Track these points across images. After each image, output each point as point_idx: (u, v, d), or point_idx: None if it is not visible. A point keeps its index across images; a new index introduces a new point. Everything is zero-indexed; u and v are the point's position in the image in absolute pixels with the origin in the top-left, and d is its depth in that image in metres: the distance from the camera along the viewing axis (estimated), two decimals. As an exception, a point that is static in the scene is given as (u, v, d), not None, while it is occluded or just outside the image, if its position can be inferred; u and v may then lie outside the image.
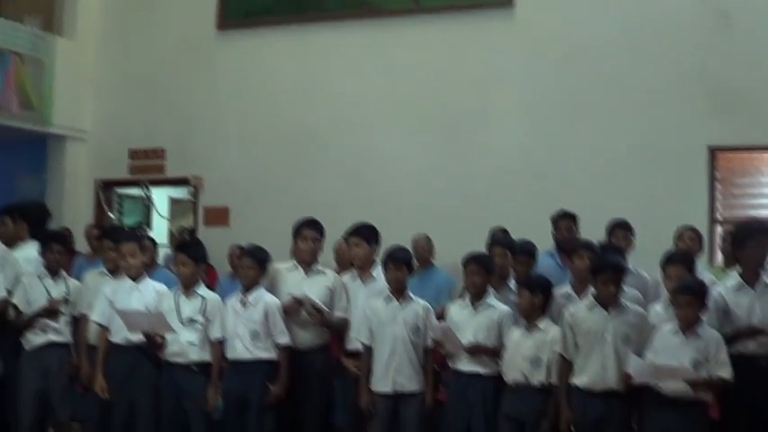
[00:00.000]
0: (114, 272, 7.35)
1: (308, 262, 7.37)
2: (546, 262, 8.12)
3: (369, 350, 6.94)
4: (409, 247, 9.46)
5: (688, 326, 6.00)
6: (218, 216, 12.12)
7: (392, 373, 6.80)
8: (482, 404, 6.68)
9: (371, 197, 11.18)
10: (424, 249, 9.73)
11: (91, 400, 7.25)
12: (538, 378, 6.44)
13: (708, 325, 6.20)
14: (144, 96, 12.85)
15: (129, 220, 13.50)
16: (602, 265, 6.34)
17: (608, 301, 6.24)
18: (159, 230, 13.63)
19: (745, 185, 10.67)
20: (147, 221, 13.62)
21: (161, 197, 14.28)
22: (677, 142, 10.34)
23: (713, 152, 10.40)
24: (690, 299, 6.01)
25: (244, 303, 6.92)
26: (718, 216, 10.42)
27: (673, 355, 5.97)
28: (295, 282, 7.27)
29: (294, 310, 7.09)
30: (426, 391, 6.86)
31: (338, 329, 7.38)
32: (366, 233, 7.35)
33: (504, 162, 10.91)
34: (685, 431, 5.95)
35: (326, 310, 7.21)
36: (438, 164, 11.17)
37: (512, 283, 7.26)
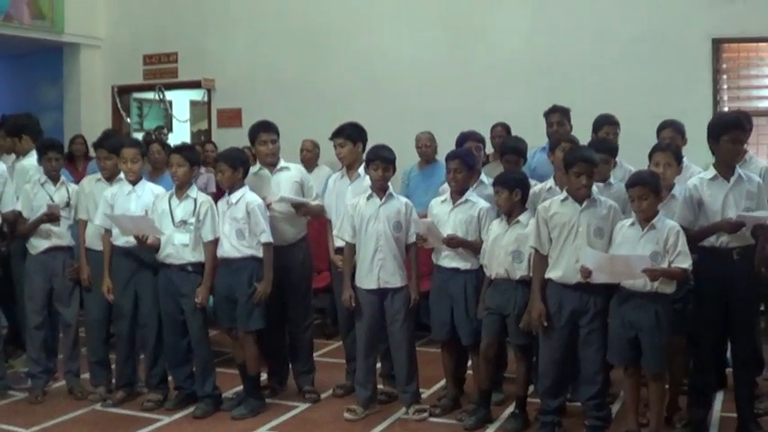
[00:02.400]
0: (110, 179, 7.50)
1: (271, 163, 7.51)
2: (539, 157, 8.24)
3: (351, 247, 7.10)
4: (413, 143, 9.75)
5: (645, 218, 6.05)
6: (231, 117, 12.35)
7: (376, 269, 6.96)
8: (463, 298, 6.86)
9: (380, 94, 11.42)
10: (428, 146, 9.92)
11: (94, 301, 7.52)
12: (519, 272, 6.57)
13: (684, 215, 6.30)
14: (155, 0, 12.94)
15: (150, 125, 13.69)
16: (574, 158, 6.37)
17: (580, 194, 6.30)
18: (180, 133, 13.83)
19: (750, 77, 10.67)
20: (169, 125, 13.79)
21: (182, 101, 14.47)
22: (681, 33, 10.36)
23: (717, 43, 10.37)
24: (642, 190, 6.03)
25: (229, 203, 7.07)
26: (724, 107, 10.42)
27: (631, 248, 6.03)
28: (264, 183, 7.44)
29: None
30: (410, 286, 7.03)
31: (318, 215, 7.65)
32: (350, 133, 7.41)
33: (509, 57, 11.02)
34: (649, 324, 6.02)
35: (304, 200, 7.43)
36: (444, 61, 11.32)
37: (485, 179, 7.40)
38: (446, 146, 7.92)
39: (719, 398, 7.05)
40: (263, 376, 7.56)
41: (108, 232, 7.31)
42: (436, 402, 7.16)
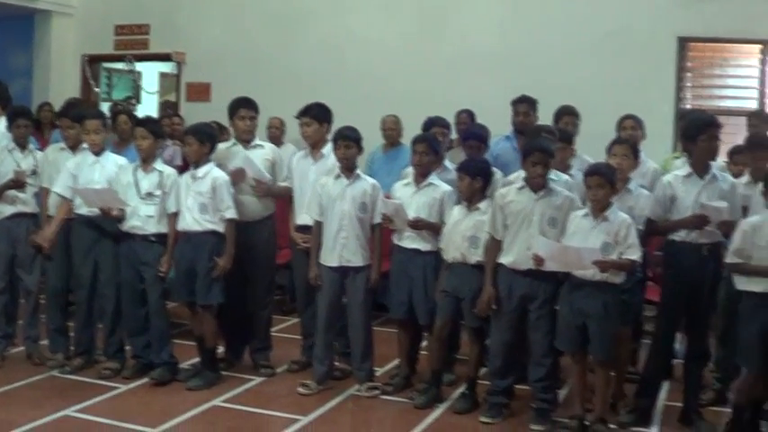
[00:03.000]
0: (73, 148, 7.56)
1: (246, 139, 7.60)
2: (502, 145, 8.33)
3: (319, 225, 7.19)
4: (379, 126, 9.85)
5: (599, 209, 6.19)
6: (200, 92, 12.40)
7: (339, 247, 7.07)
8: (422, 279, 7.01)
9: (349, 76, 11.55)
10: (393, 129, 10.04)
11: (54, 269, 7.60)
12: (475, 257, 6.71)
13: (654, 210, 6.47)
14: (129, -30, 13.00)
15: (118, 95, 13.72)
16: (531, 148, 6.52)
17: (536, 184, 6.44)
18: (149, 105, 13.87)
19: (714, 76, 10.87)
20: (137, 96, 13.81)
21: (151, 72, 14.49)
22: (648, 31, 10.55)
23: (683, 42, 10.56)
24: (599, 179, 6.17)
25: (194, 177, 7.15)
26: (688, 105, 10.61)
27: (584, 238, 6.18)
28: (237, 158, 7.50)
29: (241, 177, 7.37)
30: (372, 266, 7.15)
31: (282, 196, 7.71)
32: (317, 113, 7.49)
33: (478, 45, 11.17)
34: (597, 312, 6.17)
35: (268, 177, 7.50)
36: (414, 46, 11.48)
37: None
38: (412, 130, 8.05)
39: (665, 387, 7.19)
40: (220, 349, 7.66)
41: (66, 202, 7.37)
42: (389, 381, 7.31)
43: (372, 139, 9.82)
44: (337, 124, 7.41)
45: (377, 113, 10.21)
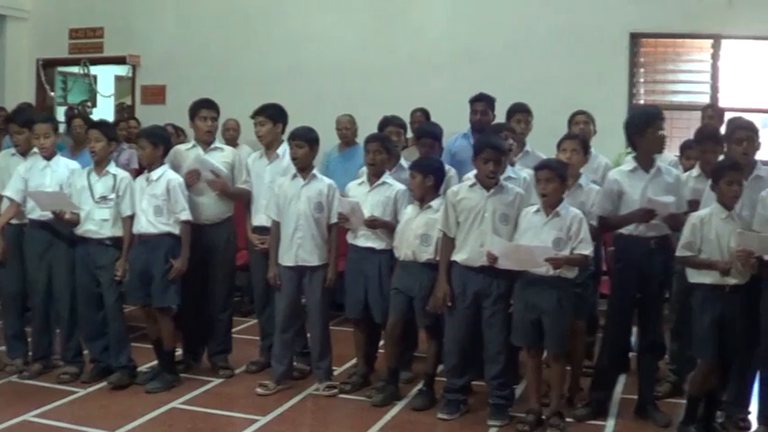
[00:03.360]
0: (24, 154, 7.53)
1: (206, 141, 7.61)
2: (460, 143, 8.40)
3: (277, 225, 7.21)
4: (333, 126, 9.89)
5: (549, 204, 6.25)
6: (155, 94, 12.38)
7: (295, 247, 7.10)
8: (377, 278, 7.04)
9: (304, 77, 11.60)
10: (348, 129, 10.08)
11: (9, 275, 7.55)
12: (426, 255, 6.75)
13: (603, 205, 6.53)
14: (82, -26, 12.94)
15: (74, 99, 13.67)
16: (482, 145, 6.57)
17: (487, 181, 6.48)
18: (104, 108, 13.82)
19: (666, 71, 10.99)
20: (93, 100, 13.77)
21: (107, 75, 14.45)
22: (600, 27, 10.68)
23: (635, 38, 10.68)
24: (549, 173, 6.23)
25: (148, 180, 7.15)
26: (640, 101, 10.71)
27: (535, 234, 6.25)
28: (191, 160, 7.51)
29: (195, 179, 7.37)
30: (329, 265, 7.17)
31: (240, 199, 7.70)
32: (271, 113, 7.52)
33: (431, 44, 11.26)
34: (551, 307, 6.24)
35: (225, 171, 7.51)
36: (368, 46, 11.52)
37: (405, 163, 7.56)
38: (367, 130, 8.06)
39: (622, 380, 7.27)
40: (179, 352, 7.66)
41: (14, 205, 7.34)
42: (347, 379, 7.33)
43: (329, 139, 9.89)
44: (294, 124, 7.43)
45: (332, 113, 10.26)
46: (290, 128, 7.43)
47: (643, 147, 6.53)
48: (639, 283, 6.48)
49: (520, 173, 7.00)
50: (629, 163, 6.63)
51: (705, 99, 10.55)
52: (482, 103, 8.40)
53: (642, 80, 10.93)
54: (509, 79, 10.20)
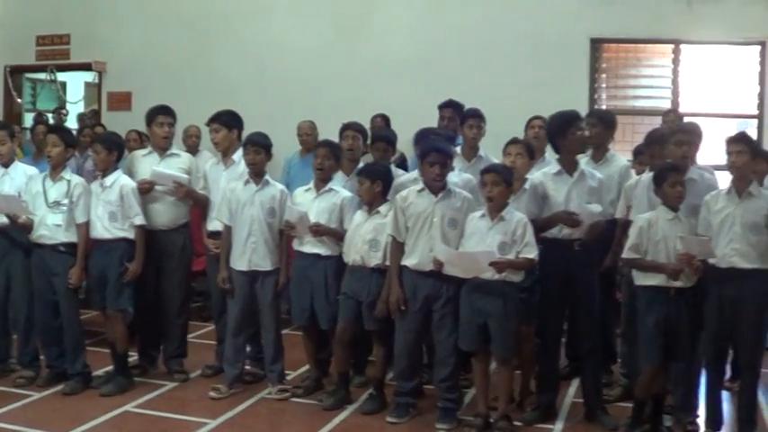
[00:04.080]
0: (-17, 161, 7.57)
1: (162, 147, 7.66)
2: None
3: (228, 230, 7.27)
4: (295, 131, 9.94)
5: (495, 208, 6.31)
6: (121, 101, 12.39)
7: (248, 252, 7.16)
8: (324, 284, 7.07)
9: (267, 83, 11.65)
10: (308, 135, 10.11)
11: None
12: (375, 260, 6.80)
13: (529, 208, 6.57)
14: (49, -20, 12.94)
15: (43, 105, 13.69)
16: (427, 149, 6.63)
17: (434, 184, 6.54)
18: (74, 115, 13.83)
19: (628, 76, 11.08)
20: (63, 106, 13.78)
21: (77, 82, 14.47)
22: (561, 33, 10.77)
23: (595, 43, 10.75)
24: (494, 177, 6.29)
25: (102, 186, 7.21)
26: (602, 106, 10.78)
27: (481, 239, 6.31)
28: (150, 166, 7.56)
29: (146, 189, 7.41)
30: (281, 270, 7.23)
31: (201, 204, 7.74)
32: (226, 119, 7.59)
33: (393, 50, 11.29)
34: (497, 311, 6.29)
35: (184, 177, 7.56)
36: (330, 52, 11.56)
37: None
38: (329, 135, 8.06)
39: (575, 384, 7.35)
40: (135, 356, 7.72)
41: None
42: (300, 383, 7.39)
43: (290, 145, 9.95)
44: (257, 130, 7.45)
45: (295, 119, 10.32)
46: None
47: (565, 148, 6.62)
48: (565, 287, 6.55)
49: (464, 175, 7.18)
50: (554, 166, 6.70)
51: (666, 104, 10.66)
52: (450, 109, 8.40)
53: (604, 85, 11.02)
54: (471, 84, 10.25)
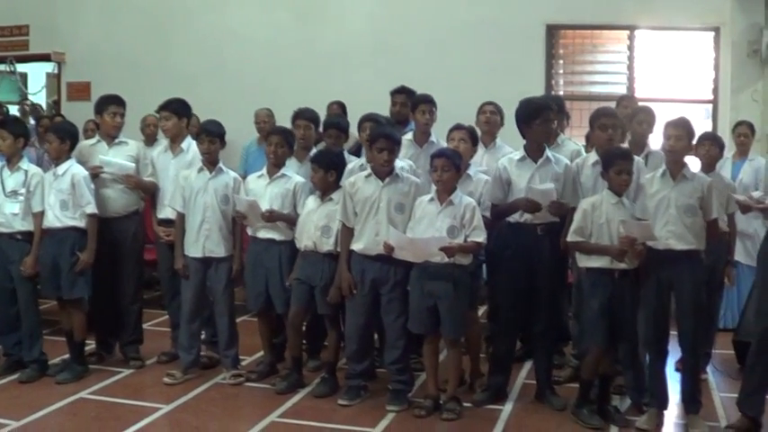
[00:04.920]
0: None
1: (111, 135, 7.72)
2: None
3: (182, 217, 7.34)
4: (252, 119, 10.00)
5: (445, 191, 6.40)
6: (80, 90, 12.38)
7: (202, 239, 7.23)
8: (278, 269, 7.14)
9: (226, 72, 11.71)
10: (266, 122, 10.15)
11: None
12: (327, 246, 6.88)
13: (493, 194, 6.68)
14: (6, -29, 12.93)
15: (2, 97, 13.62)
16: (376, 135, 6.71)
17: (382, 170, 6.63)
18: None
19: (584, 62, 11.17)
20: (26, 98, 13.77)
21: (39, 73, 14.44)
22: (517, 19, 10.87)
23: (551, 29, 10.85)
24: (445, 161, 6.37)
25: (55, 175, 7.25)
26: (559, 92, 10.88)
27: (430, 223, 6.41)
28: (100, 155, 7.62)
29: (97, 173, 7.47)
30: (234, 256, 7.31)
31: (149, 191, 7.79)
32: (176, 107, 7.63)
33: (351, 37, 11.38)
34: (446, 293, 6.38)
35: (131, 165, 7.61)
36: (289, 40, 11.61)
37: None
38: (287, 123, 8.10)
39: (527, 366, 7.47)
40: (93, 344, 7.77)
41: None
42: (254, 368, 7.46)
43: (248, 133, 10.02)
44: (217, 118, 7.53)
45: (253, 107, 10.37)
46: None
47: (531, 137, 6.68)
48: (527, 271, 6.62)
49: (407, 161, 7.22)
50: (519, 152, 6.76)
51: (622, 90, 10.75)
52: (402, 95, 8.49)
53: (561, 71, 11.12)
54: (427, 71, 10.31)
